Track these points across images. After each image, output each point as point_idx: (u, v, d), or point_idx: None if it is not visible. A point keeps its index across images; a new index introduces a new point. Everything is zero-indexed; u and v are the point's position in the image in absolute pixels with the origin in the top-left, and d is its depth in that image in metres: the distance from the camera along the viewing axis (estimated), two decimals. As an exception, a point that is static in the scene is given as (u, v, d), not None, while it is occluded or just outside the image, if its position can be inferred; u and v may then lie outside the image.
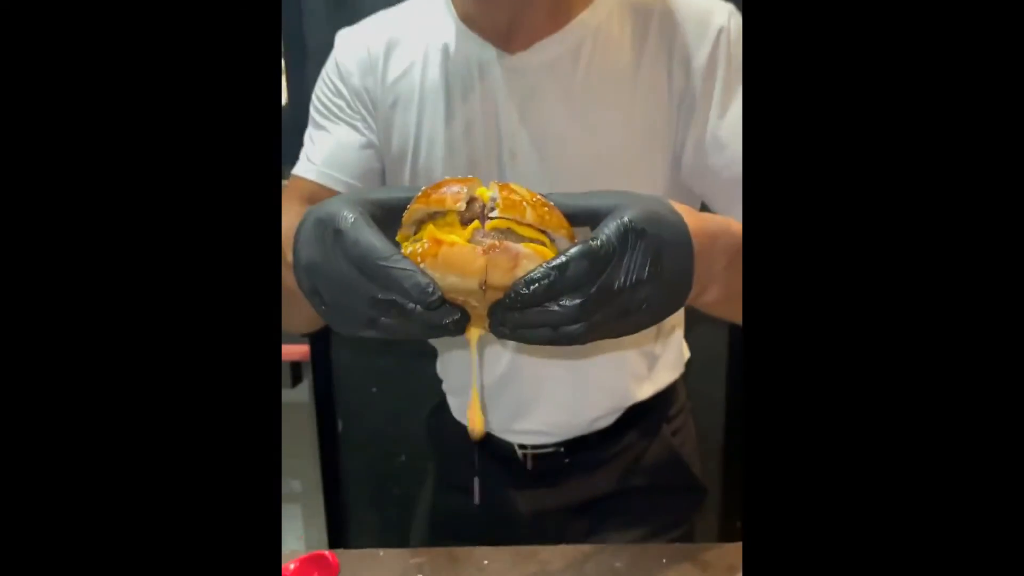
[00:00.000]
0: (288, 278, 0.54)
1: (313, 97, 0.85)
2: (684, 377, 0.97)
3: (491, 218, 0.49)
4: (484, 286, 0.47)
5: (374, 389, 1.61)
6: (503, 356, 0.86)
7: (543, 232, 0.50)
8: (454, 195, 0.50)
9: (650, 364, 0.91)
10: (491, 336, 0.50)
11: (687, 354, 0.97)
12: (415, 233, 0.52)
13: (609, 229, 0.47)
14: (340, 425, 1.63)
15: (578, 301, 0.45)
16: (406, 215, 0.52)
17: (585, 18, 0.76)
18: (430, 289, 0.45)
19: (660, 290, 0.48)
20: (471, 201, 0.50)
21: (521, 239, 0.49)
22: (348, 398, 1.61)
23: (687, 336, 0.98)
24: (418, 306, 0.46)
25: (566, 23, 0.76)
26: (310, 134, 0.85)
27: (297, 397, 1.74)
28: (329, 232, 0.48)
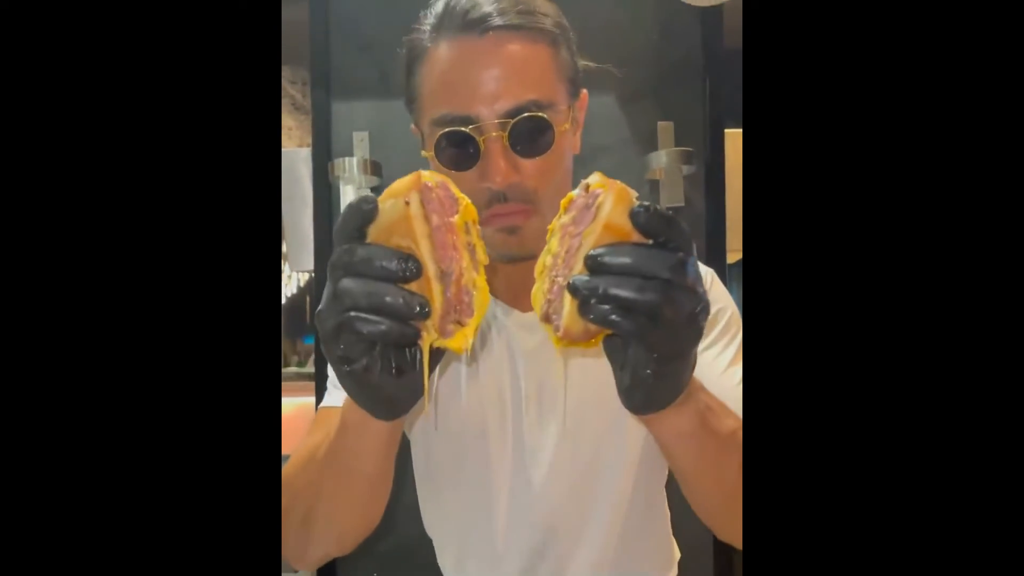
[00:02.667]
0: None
1: None
2: None
3: None
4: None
5: (375, 575, 1.63)
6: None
7: None
8: None
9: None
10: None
11: (678, 553, 0.96)
12: None
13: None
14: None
15: (663, 278, 0.48)
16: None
17: None
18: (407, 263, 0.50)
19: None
20: None
21: None
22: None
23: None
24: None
25: None
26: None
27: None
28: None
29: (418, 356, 0.55)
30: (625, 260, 0.48)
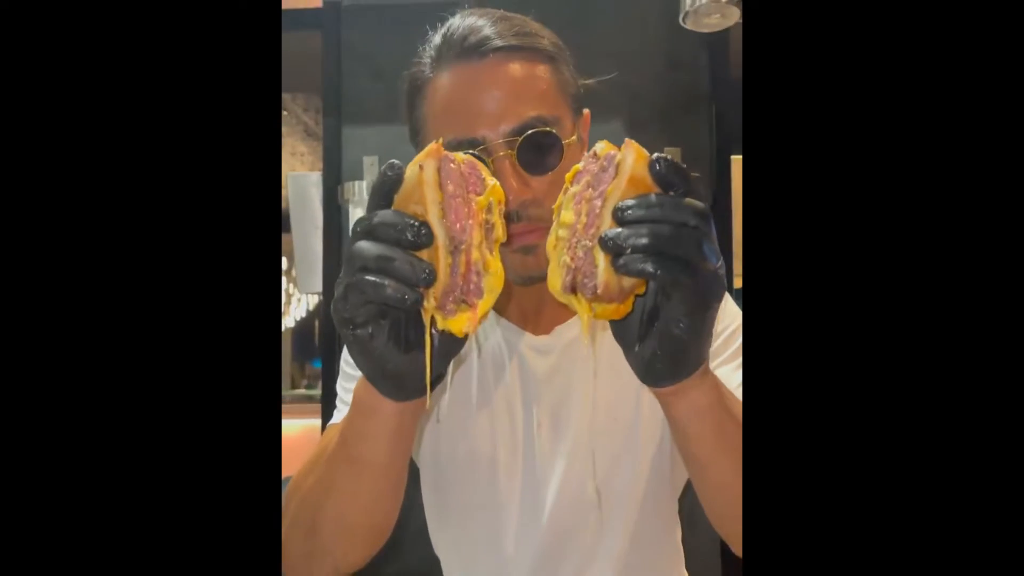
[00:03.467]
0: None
1: (345, 351, 0.86)
2: None
3: None
4: None
5: None
6: None
7: None
8: None
9: None
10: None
11: None
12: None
13: None
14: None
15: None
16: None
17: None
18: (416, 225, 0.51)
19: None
20: None
21: None
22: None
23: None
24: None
25: None
26: (343, 385, 0.87)
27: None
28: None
29: (420, 334, 0.55)
30: (655, 209, 0.49)
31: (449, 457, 0.85)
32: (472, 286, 0.54)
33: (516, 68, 0.75)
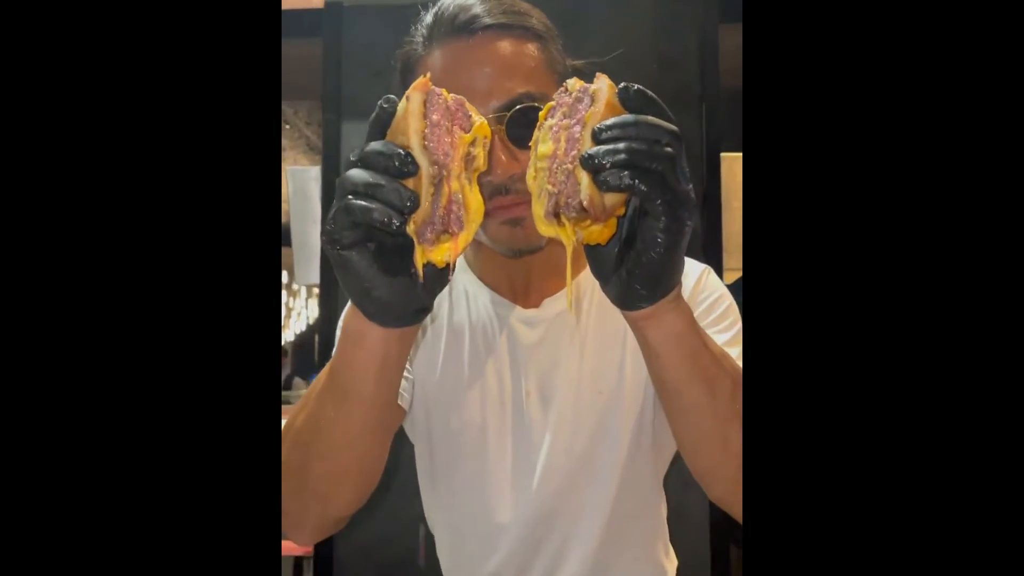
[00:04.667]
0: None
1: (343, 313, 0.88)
2: None
3: None
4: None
5: None
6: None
7: None
8: None
9: None
10: None
11: (675, 561, 0.95)
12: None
13: None
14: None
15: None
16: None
17: (585, 276, 0.85)
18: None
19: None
20: None
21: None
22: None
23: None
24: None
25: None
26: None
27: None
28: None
29: (405, 261, 0.57)
30: (631, 128, 0.53)
31: (442, 429, 0.87)
32: (453, 216, 0.56)
33: (505, 46, 0.77)
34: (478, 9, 0.77)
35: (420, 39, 0.80)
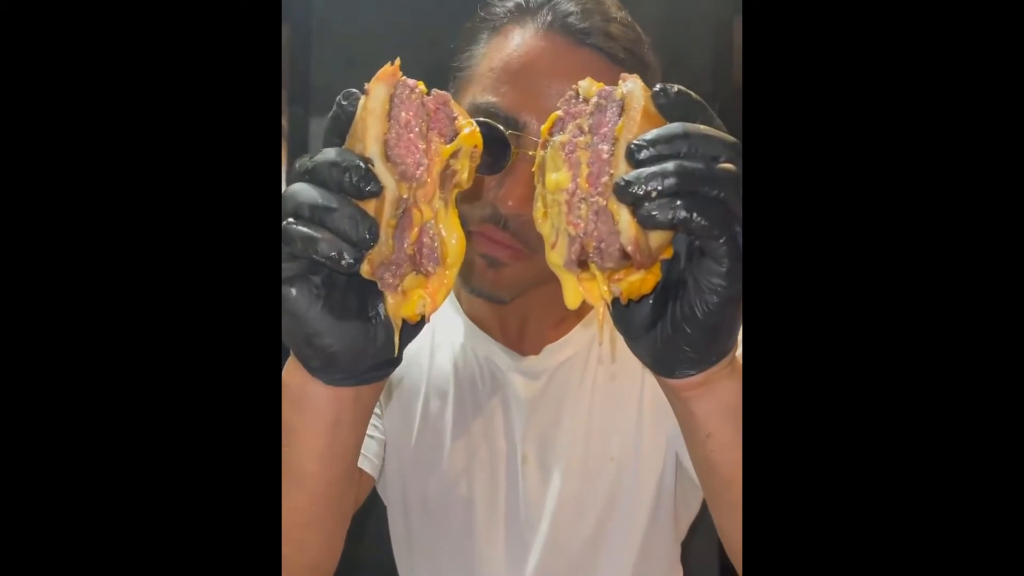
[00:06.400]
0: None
1: None
2: None
3: None
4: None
5: None
6: None
7: None
8: None
9: None
10: None
11: None
12: None
13: None
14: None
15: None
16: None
17: (591, 320, 0.74)
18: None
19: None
20: None
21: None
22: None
23: None
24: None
25: (574, 326, 0.74)
26: None
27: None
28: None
29: (363, 301, 0.45)
30: (680, 142, 0.39)
31: (419, 495, 0.73)
32: (425, 250, 0.44)
33: (603, 68, 0.64)
34: (590, 23, 0.64)
35: (512, 5, 0.66)
